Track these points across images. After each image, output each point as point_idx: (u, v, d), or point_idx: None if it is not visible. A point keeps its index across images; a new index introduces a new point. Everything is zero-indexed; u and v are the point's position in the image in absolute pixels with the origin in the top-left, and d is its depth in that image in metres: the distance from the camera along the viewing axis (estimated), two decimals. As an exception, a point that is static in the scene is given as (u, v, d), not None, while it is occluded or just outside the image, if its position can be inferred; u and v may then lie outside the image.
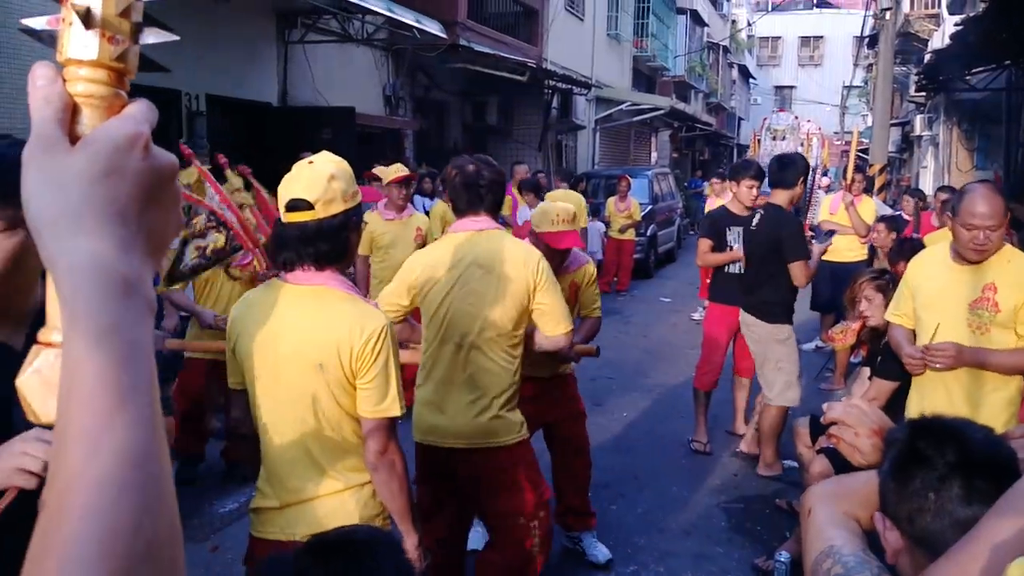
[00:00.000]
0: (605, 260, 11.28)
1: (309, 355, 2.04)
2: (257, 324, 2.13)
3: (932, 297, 3.08)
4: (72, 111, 0.56)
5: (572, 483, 3.92)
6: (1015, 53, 9.82)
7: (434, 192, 9.55)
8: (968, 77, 12.10)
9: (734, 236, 5.42)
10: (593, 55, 18.18)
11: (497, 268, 2.77)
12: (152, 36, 0.61)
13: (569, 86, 15.18)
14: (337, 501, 2.09)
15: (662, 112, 19.57)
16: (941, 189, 9.19)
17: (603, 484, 4.66)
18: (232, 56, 8.39)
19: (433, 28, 10.22)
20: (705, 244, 5.57)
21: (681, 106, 21.23)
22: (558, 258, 3.56)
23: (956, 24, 8.82)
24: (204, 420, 4.71)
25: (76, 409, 0.50)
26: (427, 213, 7.34)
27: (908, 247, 5.19)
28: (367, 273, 5.57)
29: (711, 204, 9.67)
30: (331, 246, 2.08)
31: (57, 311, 0.55)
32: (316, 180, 2.08)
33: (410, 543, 2.18)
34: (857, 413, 1.47)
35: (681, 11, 25.33)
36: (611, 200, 11.36)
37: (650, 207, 13.22)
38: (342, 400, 2.06)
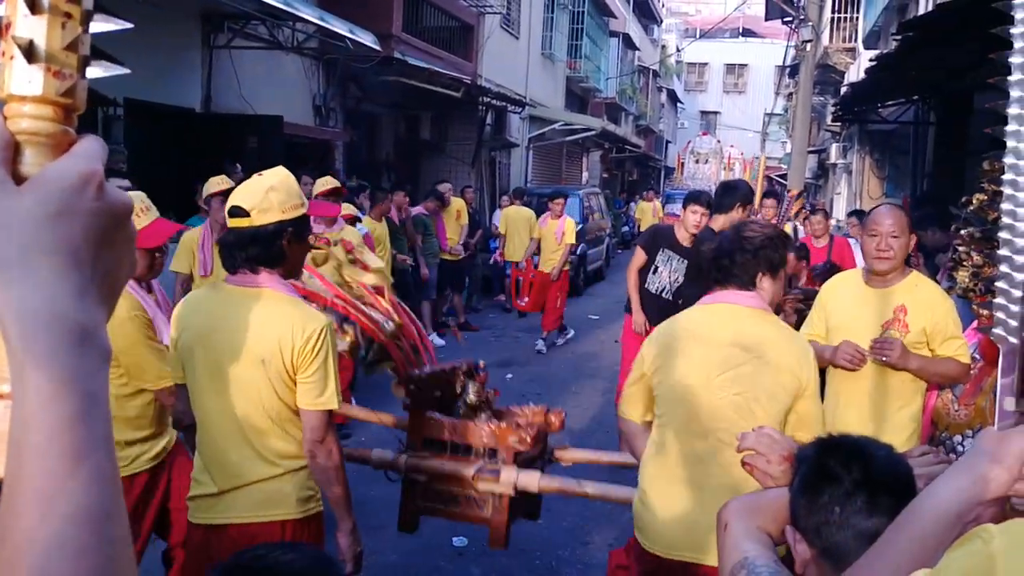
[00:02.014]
0: None
1: (252, 350, 2.21)
2: (201, 321, 2.30)
3: (845, 318, 3.21)
4: (15, 150, 0.53)
5: None
6: (922, 89, 10.39)
7: (362, 206, 9.47)
8: (880, 109, 12.71)
9: (664, 259, 5.55)
10: (527, 74, 18.38)
11: (767, 354, 2.33)
12: (100, 69, 0.58)
13: (503, 103, 15.29)
14: (275, 485, 2.27)
15: (594, 133, 19.94)
16: (852, 214, 9.65)
17: (528, 500, 4.68)
18: (154, 59, 8.14)
19: (367, 40, 10.16)
20: (640, 256, 5.65)
21: (612, 127, 21.68)
22: None
23: (871, 59, 9.28)
24: None
25: (28, 468, 0.48)
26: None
27: (835, 273, 5.41)
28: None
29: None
30: (262, 251, 2.25)
31: (7, 362, 0.52)
32: (255, 190, 2.28)
33: (345, 528, 2.36)
34: (768, 441, 1.56)
35: (614, 34, 25.89)
36: (545, 218, 11.46)
37: (581, 226, 13.41)
38: (282, 393, 2.24)
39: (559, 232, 9.55)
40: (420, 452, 2.85)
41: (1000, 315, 1.06)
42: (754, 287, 2.42)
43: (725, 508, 1.50)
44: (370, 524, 4.45)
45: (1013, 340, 1.05)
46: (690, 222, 5.40)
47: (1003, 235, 1.06)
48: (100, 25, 0.58)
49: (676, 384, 2.38)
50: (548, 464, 3.07)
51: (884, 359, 3.02)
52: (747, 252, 2.41)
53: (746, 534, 1.41)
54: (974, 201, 3.13)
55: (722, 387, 2.33)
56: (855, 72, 15.16)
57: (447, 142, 15.23)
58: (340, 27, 9.43)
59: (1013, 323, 1.05)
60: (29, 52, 0.52)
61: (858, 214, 9.38)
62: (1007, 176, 1.08)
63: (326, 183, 5.61)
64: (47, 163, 0.53)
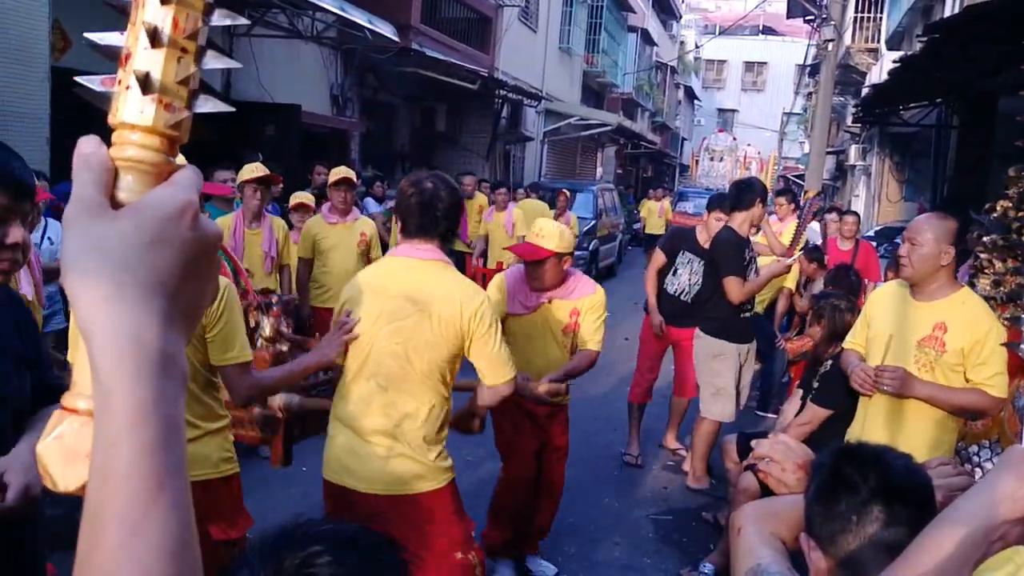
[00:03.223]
0: None
1: None
2: None
3: (882, 330, 3.05)
4: (113, 175, 0.55)
5: (533, 516, 3.85)
6: (946, 93, 10.29)
7: (384, 197, 9.48)
8: (902, 112, 12.60)
9: (684, 261, 5.53)
10: (544, 67, 18.33)
11: (431, 307, 2.53)
12: (207, 105, 0.60)
13: (519, 97, 15.27)
14: (196, 447, 2.38)
15: (609, 128, 19.87)
16: (830, 210, 9.32)
17: (536, 495, 4.68)
18: (177, 45, 8.20)
19: (386, 30, 10.16)
20: (659, 258, 5.64)
21: (628, 123, 21.60)
22: (535, 272, 3.46)
23: (894, 61, 9.18)
24: None
25: (112, 492, 0.49)
26: (373, 218, 7.25)
27: (844, 275, 5.35)
28: (307, 277, 5.47)
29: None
30: None
31: (85, 378, 0.53)
32: None
33: (306, 366, 2.62)
34: (783, 449, 1.55)
35: (632, 29, 25.78)
36: (491, 211, 10.88)
37: (593, 222, 13.38)
38: (192, 354, 2.34)
39: (508, 224, 8.85)
40: None
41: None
42: (437, 239, 2.60)
43: (740, 513, 1.49)
44: (378, 515, 4.47)
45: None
46: (713, 228, 5.37)
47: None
48: (212, 62, 0.60)
49: (356, 331, 2.61)
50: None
51: (885, 389, 2.86)
52: (436, 208, 2.57)
53: (760, 540, 1.40)
54: (998, 208, 3.08)
55: (387, 337, 2.55)
56: (877, 73, 15.02)
57: (462, 134, 15.22)
58: (359, 17, 9.43)
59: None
60: (145, 84, 0.55)
61: (837, 210, 9.17)
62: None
63: (338, 173, 5.61)
64: (146, 190, 0.55)
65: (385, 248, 7.41)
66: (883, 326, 3.05)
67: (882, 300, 3.17)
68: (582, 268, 12.65)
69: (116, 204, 0.54)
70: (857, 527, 1.28)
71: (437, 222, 2.58)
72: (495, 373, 2.64)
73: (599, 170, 24.14)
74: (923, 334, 2.89)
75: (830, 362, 3.76)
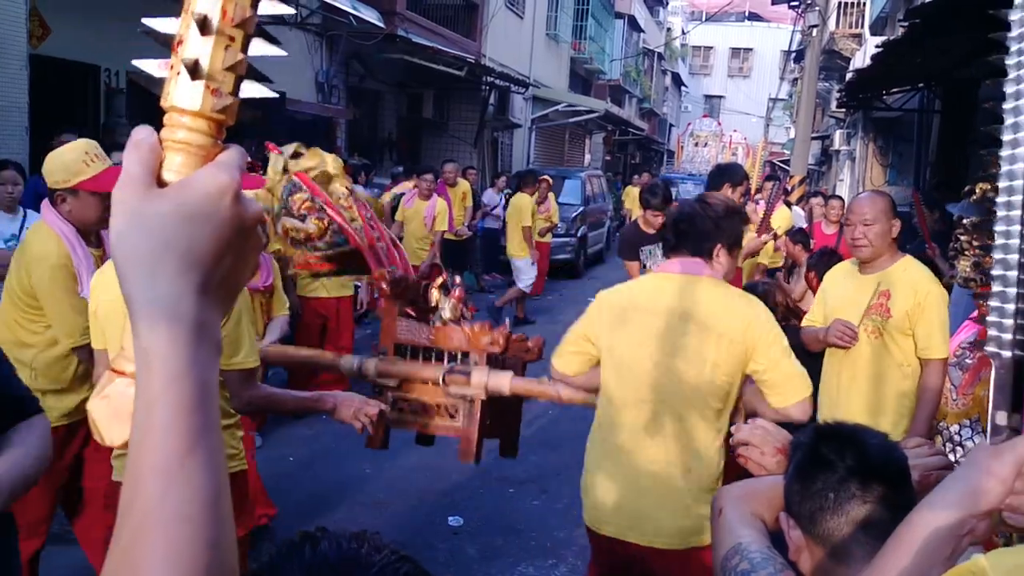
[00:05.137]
0: None
1: None
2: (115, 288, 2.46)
3: (837, 304, 3.27)
4: (160, 158, 0.59)
5: None
6: (928, 77, 10.33)
7: (368, 183, 9.44)
8: (885, 96, 12.65)
9: (647, 254, 5.61)
10: (532, 54, 18.28)
11: (712, 323, 2.29)
12: (252, 90, 0.64)
13: (507, 84, 15.22)
14: None
15: (597, 115, 19.85)
16: (815, 194, 9.46)
17: (528, 479, 4.71)
18: (159, 33, 8.11)
19: (370, 16, 10.10)
20: (636, 266, 5.70)
21: (616, 110, 21.59)
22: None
23: (877, 46, 9.22)
24: None
25: (150, 447, 0.53)
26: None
27: (827, 259, 5.39)
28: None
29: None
30: None
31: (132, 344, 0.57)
32: None
33: (328, 407, 2.41)
34: (762, 434, 1.58)
35: (619, 16, 25.72)
36: (411, 197, 10.12)
37: (582, 208, 13.39)
38: None
39: (428, 216, 7.74)
40: (391, 357, 2.67)
41: (993, 332, 1.06)
42: (709, 257, 2.40)
43: (720, 494, 1.52)
44: (367, 501, 4.49)
45: (1006, 354, 1.05)
46: (652, 222, 5.52)
47: (997, 255, 1.05)
48: (257, 49, 0.63)
49: (619, 355, 2.37)
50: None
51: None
52: (708, 219, 2.39)
53: (740, 520, 1.43)
54: (977, 191, 3.12)
55: (666, 356, 2.30)
56: (861, 58, 15.05)
57: (449, 121, 15.17)
58: (343, 3, 9.38)
59: (1007, 337, 1.05)
60: (193, 70, 0.58)
61: (822, 195, 9.22)
62: (1001, 197, 1.07)
63: (328, 161, 5.59)
64: (193, 171, 0.58)
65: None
66: (838, 301, 3.27)
67: (834, 276, 3.41)
68: (570, 255, 12.72)
69: (162, 184, 0.58)
70: (835, 504, 1.31)
71: (698, 236, 2.39)
72: (785, 393, 2.26)
73: (587, 157, 24.13)
74: (870, 303, 3.11)
75: None
